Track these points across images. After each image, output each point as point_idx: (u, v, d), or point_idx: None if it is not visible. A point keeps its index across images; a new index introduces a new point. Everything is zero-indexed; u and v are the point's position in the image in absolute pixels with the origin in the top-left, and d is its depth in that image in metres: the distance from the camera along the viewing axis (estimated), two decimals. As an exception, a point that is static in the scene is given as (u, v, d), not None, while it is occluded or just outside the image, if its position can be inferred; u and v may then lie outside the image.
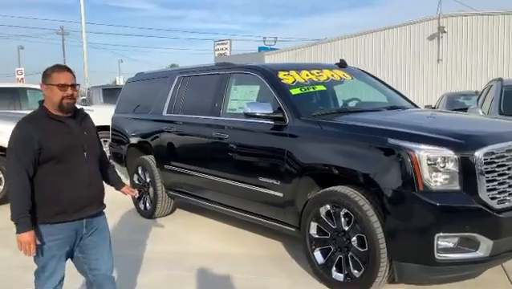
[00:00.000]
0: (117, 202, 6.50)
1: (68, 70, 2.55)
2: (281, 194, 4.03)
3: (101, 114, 9.86)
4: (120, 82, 33.34)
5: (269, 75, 4.44)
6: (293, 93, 4.26)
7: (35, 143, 2.39)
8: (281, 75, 4.44)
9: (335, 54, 23.70)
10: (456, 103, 11.10)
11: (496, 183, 3.18)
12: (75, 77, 2.57)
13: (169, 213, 5.93)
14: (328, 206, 3.61)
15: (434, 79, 21.53)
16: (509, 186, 3.25)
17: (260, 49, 32.32)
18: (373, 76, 5.27)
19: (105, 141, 10.02)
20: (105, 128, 9.74)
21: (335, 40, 24.53)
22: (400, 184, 3.19)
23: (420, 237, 3.14)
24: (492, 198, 3.14)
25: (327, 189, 3.65)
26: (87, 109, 9.29)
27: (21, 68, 27.37)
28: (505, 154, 3.24)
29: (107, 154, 9.19)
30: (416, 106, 4.98)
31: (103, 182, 2.79)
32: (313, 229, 3.75)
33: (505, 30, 20.01)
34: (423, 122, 3.89)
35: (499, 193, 3.18)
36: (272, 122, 4.14)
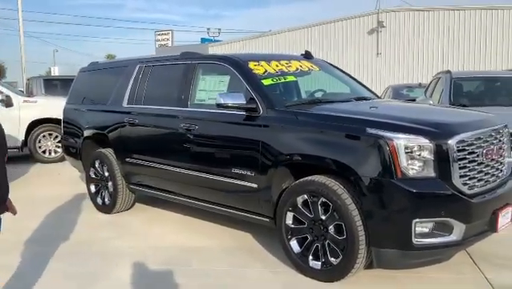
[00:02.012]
0: (70, 198, 6.25)
1: None
2: (255, 185, 4.01)
3: (45, 106, 9.36)
4: (55, 72, 31.70)
5: (240, 65, 4.39)
6: (265, 84, 4.24)
7: None
8: (251, 65, 4.41)
9: (278, 46, 23.98)
10: (401, 94, 11.58)
11: (467, 170, 3.35)
12: None
13: (130, 208, 5.74)
14: (305, 196, 3.64)
15: (374, 71, 22.38)
16: (478, 172, 3.44)
17: (203, 40, 32.05)
18: (337, 67, 5.36)
19: (50, 134, 9.54)
20: (50, 120, 9.30)
21: (279, 33, 24.80)
22: (379, 172, 3.27)
23: (399, 223, 3.24)
24: (464, 184, 3.31)
25: (305, 178, 3.67)
26: (31, 101, 8.86)
27: None
28: (475, 142, 3.43)
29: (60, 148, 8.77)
30: (378, 96, 5.13)
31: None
32: (289, 219, 3.77)
33: (441, 25, 21.13)
34: (395, 112, 4.01)
35: (470, 179, 3.36)
36: (244, 113, 4.10)
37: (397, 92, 11.94)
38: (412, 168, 3.24)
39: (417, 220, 3.21)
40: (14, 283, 3.65)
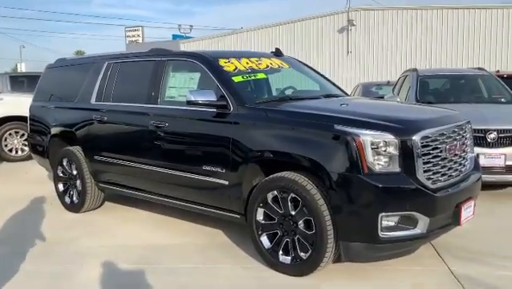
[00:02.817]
0: (38, 198, 6.12)
1: None
2: (226, 182, 4.03)
3: (11, 103, 9.12)
4: (22, 69, 30.88)
5: (210, 62, 4.39)
6: (235, 81, 4.26)
7: None
8: (222, 62, 4.42)
9: (250, 43, 24.01)
10: (370, 92, 11.78)
11: (431, 164, 3.45)
12: None
13: (98, 207, 5.67)
14: (275, 192, 3.68)
15: (344, 69, 22.66)
16: (442, 167, 3.55)
17: (175, 37, 31.77)
18: (307, 65, 5.43)
19: (16, 132, 9.31)
20: (16, 118, 9.06)
21: (250, 30, 24.80)
22: (346, 167, 3.34)
23: (366, 217, 3.32)
24: (428, 179, 3.41)
25: (275, 175, 3.71)
26: (-4, 98, 8.48)
27: None
28: (438, 138, 3.54)
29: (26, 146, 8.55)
30: (347, 94, 5.22)
31: None
32: (260, 215, 3.81)
33: (409, 24, 21.56)
34: (362, 109, 4.09)
35: (433, 173, 3.47)
36: (215, 110, 4.10)
37: (367, 90, 12.14)
38: (378, 164, 3.32)
39: (383, 214, 3.29)
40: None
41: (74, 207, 5.57)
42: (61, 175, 5.71)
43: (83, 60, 5.97)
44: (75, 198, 5.56)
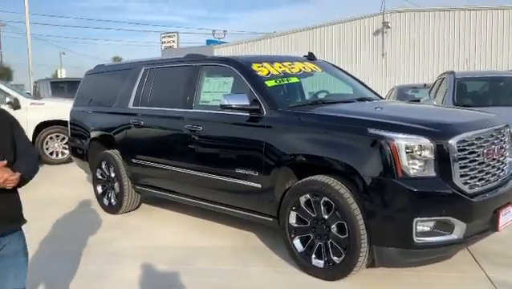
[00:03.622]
0: (78, 199, 6.33)
1: None
2: (259, 185, 4.06)
3: (52, 108, 9.47)
4: (62, 75, 31.94)
5: (243, 67, 4.45)
6: (268, 85, 4.30)
7: None
8: (255, 66, 4.47)
9: (283, 48, 24.04)
10: (405, 95, 11.59)
11: (468, 169, 3.39)
12: None
13: (135, 208, 5.82)
14: (308, 195, 3.69)
15: (379, 72, 22.36)
16: (479, 172, 3.47)
17: (208, 42, 32.16)
18: (340, 69, 5.41)
19: (57, 136, 9.65)
20: (57, 122, 9.40)
21: (283, 34, 24.85)
22: (380, 171, 3.32)
23: (400, 221, 3.29)
24: (464, 183, 3.34)
25: (307, 178, 3.73)
26: (38, 103, 8.96)
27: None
28: (475, 142, 3.47)
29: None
30: (381, 97, 5.17)
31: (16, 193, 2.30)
32: (292, 218, 3.82)
33: (446, 26, 21.10)
34: (397, 112, 4.05)
35: (470, 178, 3.40)
36: (248, 114, 4.15)
37: (402, 93, 11.95)
38: (413, 168, 3.28)
39: (418, 219, 3.25)
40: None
41: (112, 209, 5.73)
42: (100, 177, 5.89)
43: (121, 66, 6.16)
44: (113, 200, 5.72)
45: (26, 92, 12.92)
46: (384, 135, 3.33)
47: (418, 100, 8.76)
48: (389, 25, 22.10)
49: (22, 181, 2.17)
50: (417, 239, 3.27)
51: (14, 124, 2.31)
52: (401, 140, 3.28)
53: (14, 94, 9.37)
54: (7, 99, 9.05)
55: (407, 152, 3.27)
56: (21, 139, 2.30)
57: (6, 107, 8.63)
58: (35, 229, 4.99)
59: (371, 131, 3.39)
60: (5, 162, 2.08)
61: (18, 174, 2.09)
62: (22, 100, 9.27)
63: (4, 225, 2.18)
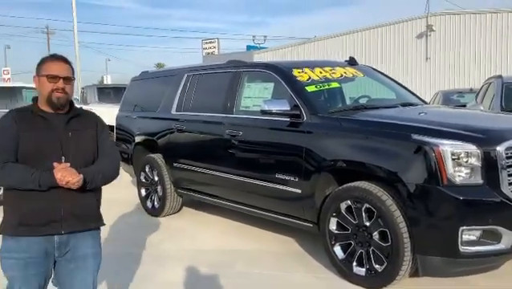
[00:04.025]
0: (123, 202, 6.52)
1: (64, 60, 2.22)
2: (299, 190, 4.06)
3: (99, 113, 9.76)
4: (108, 81, 33.01)
5: (284, 72, 4.47)
6: (309, 90, 4.30)
7: (15, 135, 2.11)
8: (295, 72, 4.48)
9: (324, 52, 23.88)
10: (451, 100, 11.26)
11: (517, 177, 3.25)
12: (72, 70, 2.24)
13: (177, 211, 5.93)
14: (349, 202, 3.65)
15: (423, 77, 21.81)
16: (529, 180, 3.33)
17: (249, 48, 32.36)
18: (382, 73, 5.34)
19: (103, 140, 9.95)
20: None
21: (324, 39, 24.68)
22: (425, 178, 3.24)
23: (445, 230, 3.20)
24: (513, 192, 3.22)
25: (349, 184, 3.69)
26: (84, 108, 9.22)
27: (7, 68, 26.95)
28: (525, 149, 3.33)
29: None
30: (425, 102, 5.06)
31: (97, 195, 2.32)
32: (333, 224, 3.79)
33: (493, 29, 20.36)
34: (442, 118, 3.95)
35: (520, 186, 3.26)
36: (288, 119, 4.16)
37: (447, 98, 11.61)
38: (459, 175, 3.20)
39: (464, 227, 3.16)
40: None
41: (155, 211, 5.86)
42: (144, 181, 6.04)
43: (165, 73, 6.31)
44: (156, 203, 5.86)
45: (74, 98, 13.43)
46: (429, 141, 3.25)
47: (464, 105, 8.50)
48: (433, 28, 21.53)
49: (90, 183, 2.17)
50: (463, 248, 3.17)
51: (99, 125, 2.33)
52: (447, 147, 3.20)
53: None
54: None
55: (453, 159, 3.19)
56: (104, 141, 2.33)
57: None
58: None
59: (415, 137, 3.33)
60: (67, 164, 2.09)
61: (80, 176, 2.09)
62: (71, 106, 9.62)
63: (72, 223, 2.18)
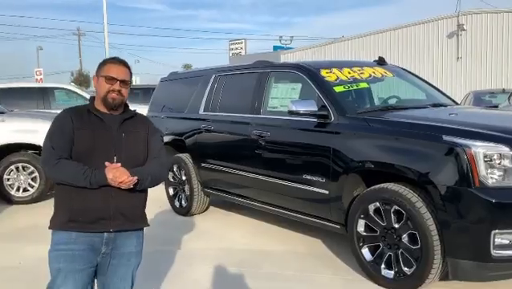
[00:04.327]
0: (151, 200, 6.61)
1: (123, 64, 2.30)
2: (326, 191, 4.04)
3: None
4: (137, 82, 33.52)
5: (312, 72, 4.45)
6: (337, 90, 4.27)
7: (71, 132, 2.18)
8: (323, 72, 4.46)
9: (352, 52, 23.65)
10: (483, 101, 10.98)
11: (552, 180, 3.15)
12: (130, 73, 2.32)
13: (204, 211, 5.98)
14: (378, 203, 3.61)
15: (453, 77, 21.35)
16: None
17: (275, 48, 32.37)
18: (412, 73, 5.26)
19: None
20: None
21: (352, 39, 24.44)
22: (456, 181, 3.18)
23: (477, 234, 3.13)
24: (548, 195, 3.12)
25: (377, 186, 3.65)
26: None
27: (40, 69, 27.71)
28: (561, 151, 3.22)
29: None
30: (456, 103, 4.96)
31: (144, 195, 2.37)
32: (361, 226, 3.76)
33: (527, 27, 19.76)
34: (473, 119, 3.87)
35: (555, 189, 3.16)
36: (316, 120, 4.15)
37: (479, 98, 11.33)
38: (492, 178, 3.12)
39: (497, 231, 3.08)
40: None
41: (182, 210, 5.93)
42: (171, 180, 6.11)
43: (193, 73, 6.37)
44: (183, 202, 5.92)
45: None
46: (461, 142, 3.19)
47: (496, 106, 8.28)
48: (464, 27, 21.05)
49: (141, 184, 2.21)
50: (495, 252, 3.10)
51: (151, 129, 2.41)
52: (479, 148, 3.13)
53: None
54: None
55: (485, 161, 3.12)
56: (155, 144, 2.38)
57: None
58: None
59: (446, 138, 3.26)
60: (119, 164, 2.15)
61: (135, 178, 2.14)
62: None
63: (121, 222, 2.23)
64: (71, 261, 2.16)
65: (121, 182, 2.11)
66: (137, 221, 2.33)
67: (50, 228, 2.25)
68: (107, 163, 2.14)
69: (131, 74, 2.32)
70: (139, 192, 2.27)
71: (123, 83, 2.25)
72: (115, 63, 2.28)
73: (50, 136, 2.21)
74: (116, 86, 2.23)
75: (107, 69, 2.26)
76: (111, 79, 2.23)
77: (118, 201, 2.20)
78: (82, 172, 2.12)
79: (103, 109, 2.27)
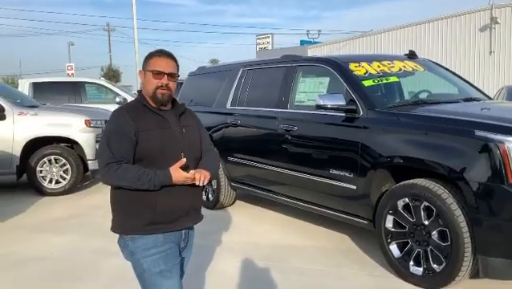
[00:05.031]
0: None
1: (170, 56, 2.23)
2: (354, 187, 4.00)
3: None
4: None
5: (340, 66, 4.41)
6: (366, 85, 4.21)
7: (132, 134, 2.10)
8: (352, 66, 4.40)
9: (381, 46, 23.28)
10: (517, 96, 10.65)
11: None
12: (177, 66, 2.24)
13: (231, 205, 6.01)
14: (407, 199, 3.56)
15: (486, 71, 20.78)
16: None
17: (302, 42, 32.14)
18: (444, 67, 5.14)
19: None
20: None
21: (381, 32, 24.04)
22: (488, 177, 3.10)
23: (509, 231, 3.05)
24: None
25: (406, 181, 3.59)
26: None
27: (71, 64, 28.30)
28: None
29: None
30: (489, 97, 4.83)
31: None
32: (389, 222, 3.71)
33: None
34: (507, 114, 3.77)
35: None
36: (344, 114, 4.10)
37: (513, 93, 10.99)
38: (526, 174, 3.03)
39: (531, 229, 2.99)
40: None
41: (209, 203, 5.97)
42: (198, 174, 6.15)
43: (220, 68, 6.40)
44: (210, 195, 5.97)
45: (133, 93, 13.91)
46: (494, 138, 3.11)
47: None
48: (498, 20, 20.41)
49: (211, 178, 2.27)
50: (528, 251, 3.01)
51: (198, 121, 2.40)
52: (513, 144, 3.04)
53: (123, 94, 10.16)
54: (117, 99, 9.82)
55: (519, 157, 3.02)
56: (205, 137, 2.39)
57: (116, 107, 9.36)
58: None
59: (479, 133, 3.18)
60: (184, 160, 2.12)
61: (209, 174, 2.19)
62: (130, 100, 9.99)
63: (195, 216, 2.30)
64: (169, 260, 2.18)
65: (205, 178, 2.14)
66: (199, 214, 2.37)
67: (123, 233, 2.20)
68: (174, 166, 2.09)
69: (178, 66, 2.25)
70: (198, 186, 2.23)
71: (171, 76, 2.18)
72: (161, 56, 2.21)
73: (107, 139, 2.13)
74: (164, 80, 2.16)
75: (153, 63, 2.19)
76: (158, 74, 2.16)
77: (191, 197, 2.23)
78: (145, 175, 2.07)
79: (154, 105, 2.21)
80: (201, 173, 2.13)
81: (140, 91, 2.28)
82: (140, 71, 2.29)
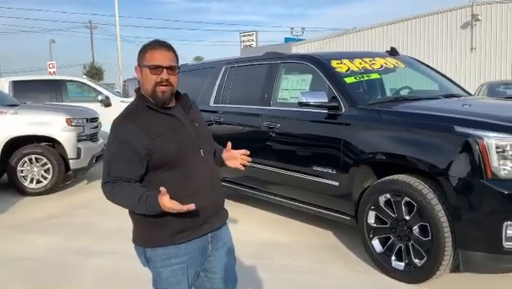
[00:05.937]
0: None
1: (167, 47, 1.95)
2: (336, 183, 4.03)
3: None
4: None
5: (322, 63, 4.43)
6: (347, 82, 4.24)
7: (141, 146, 1.86)
8: (334, 63, 4.43)
9: (364, 43, 23.46)
10: (497, 92, 10.84)
11: None
12: (176, 57, 1.97)
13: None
14: (388, 195, 3.59)
15: (467, 68, 21.08)
16: None
17: (286, 40, 32.20)
18: (425, 64, 5.20)
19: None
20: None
21: (364, 30, 24.23)
22: (468, 172, 3.15)
23: (488, 225, 3.11)
24: (562, 186, 3.07)
25: (388, 177, 3.63)
26: (126, 101, 9.57)
27: (52, 62, 27.88)
28: None
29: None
30: (469, 94, 4.90)
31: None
32: (371, 218, 3.74)
33: (543, 17, 19.40)
34: (486, 109, 3.83)
35: None
36: (326, 111, 4.13)
37: (493, 90, 11.18)
38: (504, 169, 3.09)
39: (509, 222, 3.05)
40: (107, 271, 3.99)
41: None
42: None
43: (204, 65, 6.38)
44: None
45: (116, 91, 13.79)
46: (473, 133, 3.15)
47: (510, 97, 8.17)
48: (479, 17, 20.73)
49: None
50: (507, 244, 3.07)
51: (200, 112, 2.19)
52: (492, 139, 3.09)
53: (106, 92, 10.05)
54: (99, 97, 9.72)
55: (497, 152, 3.08)
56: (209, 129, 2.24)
57: (98, 105, 9.28)
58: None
59: (458, 129, 3.23)
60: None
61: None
62: (113, 99, 9.91)
63: (220, 215, 2.12)
64: (187, 270, 2.00)
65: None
66: (225, 210, 2.19)
67: (147, 246, 1.99)
68: (161, 188, 1.77)
69: (177, 57, 1.98)
70: (220, 182, 2.15)
71: (171, 69, 1.91)
72: (157, 48, 1.93)
73: (108, 157, 1.93)
74: (164, 75, 1.89)
75: (149, 56, 1.92)
76: (156, 68, 1.89)
77: (214, 197, 2.05)
78: (137, 198, 1.83)
79: (157, 104, 1.95)
80: (238, 156, 2.18)
81: (138, 90, 2.02)
82: (135, 67, 2.01)
